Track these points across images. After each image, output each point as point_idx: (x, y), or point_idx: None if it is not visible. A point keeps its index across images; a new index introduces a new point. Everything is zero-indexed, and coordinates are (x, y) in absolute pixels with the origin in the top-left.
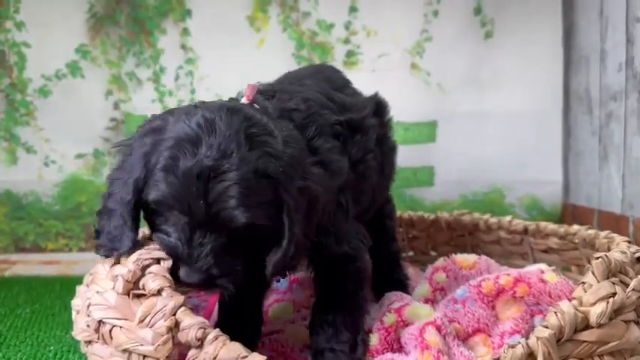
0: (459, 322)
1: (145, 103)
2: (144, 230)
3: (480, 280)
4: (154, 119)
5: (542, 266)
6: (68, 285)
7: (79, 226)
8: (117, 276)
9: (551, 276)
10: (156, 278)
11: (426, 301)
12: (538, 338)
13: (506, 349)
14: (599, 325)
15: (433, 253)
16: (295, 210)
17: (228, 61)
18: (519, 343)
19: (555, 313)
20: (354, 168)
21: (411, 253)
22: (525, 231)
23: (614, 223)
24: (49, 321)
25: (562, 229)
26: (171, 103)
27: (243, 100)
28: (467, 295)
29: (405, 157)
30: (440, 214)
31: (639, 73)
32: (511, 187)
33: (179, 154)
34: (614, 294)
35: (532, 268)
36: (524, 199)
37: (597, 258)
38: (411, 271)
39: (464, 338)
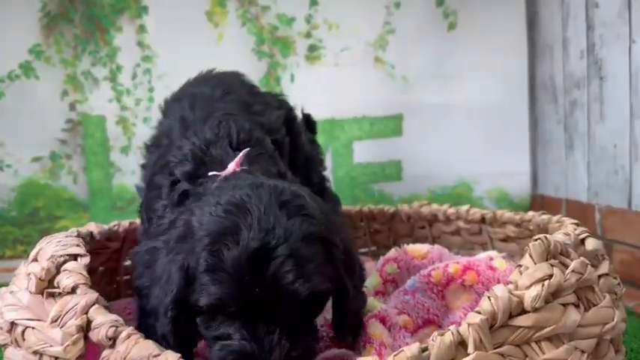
0: (408, 314)
1: (102, 103)
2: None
3: (430, 269)
4: (173, 222)
5: (492, 253)
6: None
7: (37, 232)
8: (30, 274)
9: (500, 263)
10: (70, 275)
11: (377, 293)
12: (469, 325)
13: (435, 337)
14: (535, 309)
15: (395, 247)
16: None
17: (187, 58)
18: (449, 330)
19: (489, 297)
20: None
21: (373, 248)
22: (483, 220)
23: (582, 211)
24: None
25: (518, 216)
26: (129, 102)
27: (229, 171)
28: (417, 286)
29: (372, 151)
30: (400, 207)
31: (600, 59)
32: (479, 179)
33: (220, 247)
34: (551, 276)
35: (482, 256)
36: (492, 192)
37: (536, 240)
38: (370, 265)
39: (414, 330)
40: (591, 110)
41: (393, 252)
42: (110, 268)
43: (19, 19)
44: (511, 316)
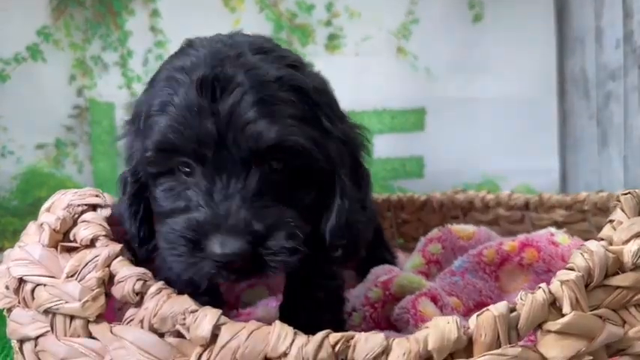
0: (457, 296)
1: (111, 89)
2: None
3: (481, 248)
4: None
5: (552, 229)
6: None
7: None
8: (42, 225)
9: (563, 238)
10: (89, 226)
11: (419, 273)
12: (562, 282)
13: (524, 295)
14: (635, 268)
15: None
16: (340, 153)
17: None
18: (540, 288)
19: (581, 253)
20: None
21: (400, 241)
22: (526, 206)
23: None
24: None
25: (569, 197)
26: (140, 88)
27: None
28: (466, 266)
29: (393, 146)
30: (432, 194)
31: (639, 47)
32: (505, 177)
33: (172, 84)
34: None
35: (540, 232)
36: (519, 190)
37: (626, 193)
38: (400, 255)
39: (464, 313)
40: (629, 102)
41: (436, 231)
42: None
43: (28, 0)
44: (607, 275)
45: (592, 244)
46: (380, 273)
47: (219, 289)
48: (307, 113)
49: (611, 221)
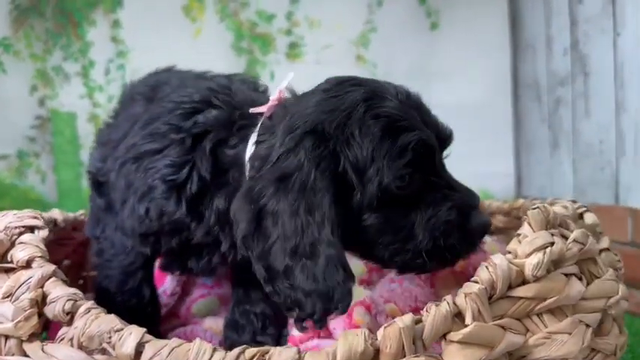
0: (395, 303)
1: (72, 99)
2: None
3: None
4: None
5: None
6: None
7: None
8: None
9: (492, 246)
10: (26, 248)
11: (362, 282)
12: (466, 295)
13: (430, 307)
14: (536, 279)
15: None
16: None
17: (163, 54)
18: (445, 300)
19: (486, 267)
20: None
21: None
22: None
23: None
24: None
25: (506, 204)
26: (102, 98)
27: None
28: None
29: None
30: None
31: (584, 55)
32: (462, 180)
33: (374, 104)
34: (552, 243)
35: None
36: None
37: (534, 208)
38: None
39: None
40: (576, 107)
41: None
42: (76, 262)
43: None
44: (511, 287)
45: (497, 258)
46: None
47: (158, 301)
48: None
49: (518, 235)
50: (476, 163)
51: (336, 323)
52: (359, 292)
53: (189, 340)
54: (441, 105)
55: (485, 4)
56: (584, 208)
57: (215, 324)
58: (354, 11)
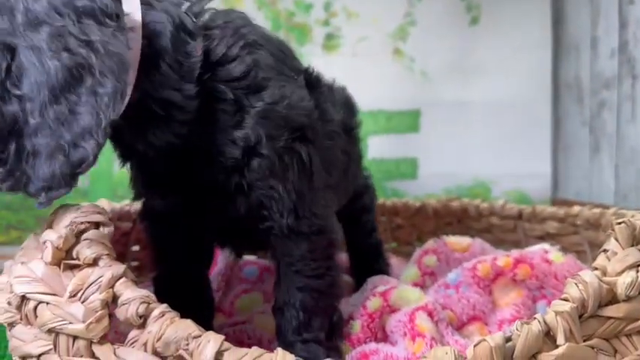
0: (451, 310)
1: None
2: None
3: (475, 262)
4: None
5: (546, 246)
6: None
7: (32, 218)
8: (45, 242)
9: (557, 255)
10: (92, 245)
11: (415, 285)
12: (557, 313)
13: (520, 325)
14: (628, 299)
15: (418, 244)
16: None
17: None
18: (535, 318)
19: (576, 284)
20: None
21: (394, 244)
22: (520, 216)
23: None
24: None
25: (562, 210)
26: None
27: None
28: (460, 280)
29: (387, 147)
30: (426, 201)
31: (633, 57)
32: (497, 180)
33: None
34: None
35: (534, 248)
36: (510, 194)
37: (620, 223)
38: (393, 260)
39: (458, 327)
40: (622, 110)
41: (431, 243)
42: (119, 253)
43: None
44: (600, 306)
45: (586, 275)
46: (377, 282)
47: (212, 296)
48: None
49: (605, 251)
50: (512, 162)
51: (394, 327)
52: (420, 296)
53: (241, 340)
54: (478, 102)
55: (528, 1)
56: None
57: (264, 321)
58: (393, 4)
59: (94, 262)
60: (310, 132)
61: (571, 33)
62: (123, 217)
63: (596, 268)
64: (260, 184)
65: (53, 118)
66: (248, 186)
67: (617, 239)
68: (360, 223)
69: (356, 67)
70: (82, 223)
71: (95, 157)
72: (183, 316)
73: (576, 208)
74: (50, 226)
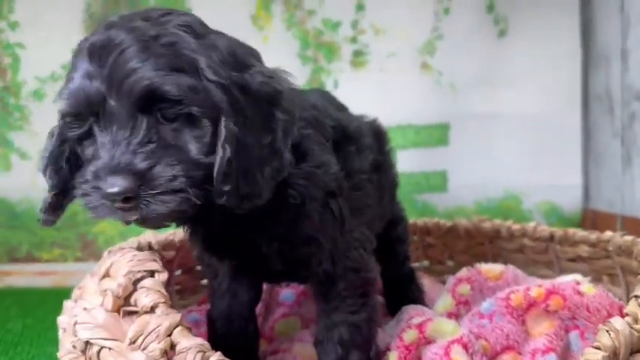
0: (485, 339)
1: None
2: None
3: (508, 292)
4: None
5: (577, 277)
6: (62, 297)
7: (75, 236)
8: (106, 291)
9: (589, 287)
10: (149, 293)
11: (449, 315)
12: None
13: None
14: None
15: (450, 263)
16: (227, 101)
17: None
18: None
19: (607, 331)
20: (348, 179)
21: (426, 263)
22: (551, 238)
23: (639, 229)
24: (41, 336)
25: (594, 235)
26: None
27: None
28: (494, 309)
29: (417, 161)
30: (458, 221)
31: None
32: (528, 192)
33: (76, 59)
34: None
35: (566, 279)
36: (541, 205)
37: None
38: (426, 282)
39: (492, 357)
40: None
41: (465, 271)
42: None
43: (63, 20)
44: (632, 353)
45: (617, 322)
46: (413, 314)
47: (256, 322)
48: (185, 65)
49: (636, 297)
50: (542, 174)
51: (430, 359)
52: (454, 329)
53: None
54: (507, 115)
55: (556, 12)
56: None
57: (303, 349)
58: (420, 19)
59: (152, 310)
60: (338, 189)
61: (601, 44)
62: (167, 246)
63: (627, 314)
64: (302, 239)
65: None
66: (294, 240)
67: None
68: (395, 252)
69: (384, 82)
70: (138, 271)
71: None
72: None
73: (608, 234)
74: (107, 274)
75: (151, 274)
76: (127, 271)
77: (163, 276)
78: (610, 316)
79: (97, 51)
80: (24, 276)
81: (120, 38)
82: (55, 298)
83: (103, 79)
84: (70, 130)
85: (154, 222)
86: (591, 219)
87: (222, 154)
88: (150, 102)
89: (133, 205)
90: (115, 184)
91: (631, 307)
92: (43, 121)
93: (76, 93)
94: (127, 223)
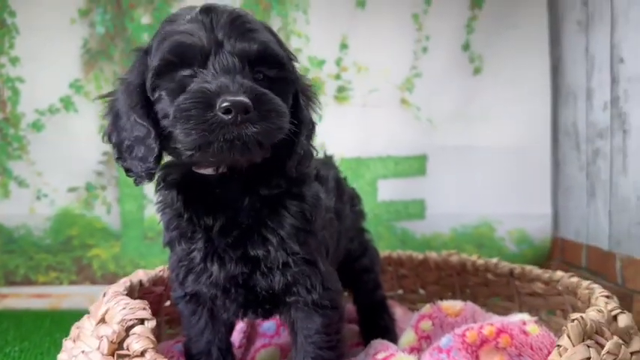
0: None
1: None
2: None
3: (464, 329)
4: None
5: (525, 317)
6: (58, 320)
7: (70, 259)
8: (102, 337)
9: (533, 328)
10: (139, 339)
11: (412, 349)
12: None
13: None
14: None
15: (422, 292)
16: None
17: None
18: None
19: None
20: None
21: (400, 292)
22: (511, 274)
23: (602, 259)
24: None
25: (546, 274)
26: None
27: None
28: (451, 345)
29: (396, 190)
30: (428, 254)
31: (624, 112)
32: (501, 220)
33: (177, 19)
34: (589, 358)
35: (515, 319)
36: (513, 233)
37: (573, 320)
38: (398, 311)
39: None
40: (614, 161)
41: (427, 308)
42: (154, 310)
43: (62, 55)
44: None
45: None
46: (379, 348)
47: (234, 355)
48: (279, 41)
49: (558, 346)
50: (514, 204)
51: None
52: None
53: None
54: (481, 147)
55: (528, 52)
56: (619, 310)
57: None
58: (400, 57)
59: (142, 354)
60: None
61: (568, 83)
62: (157, 282)
63: None
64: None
65: None
66: (292, 262)
67: (569, 336)
68: (362, 282)
69: (366, 116)
70: (130, 319)
71: None
72: None
73: (559, 274)
74: (103, 320)
75: (141, 321)
76: (121, 319)
77: (152, 323)
78: (549, 354)
79: (208, 12)
80: (21, 298)
81: (228, 10)
82: (51, 321)
83: (218, 32)
84: (157, 78)
85: (267, 137)
86: (560, 247)
87: (307, 119)
88: (260, 59)
89: (251, 116)
90: (238, 97)
91: (553, 356)
92: (40, 152)
93: (182, 40)
94: (217, 166)
